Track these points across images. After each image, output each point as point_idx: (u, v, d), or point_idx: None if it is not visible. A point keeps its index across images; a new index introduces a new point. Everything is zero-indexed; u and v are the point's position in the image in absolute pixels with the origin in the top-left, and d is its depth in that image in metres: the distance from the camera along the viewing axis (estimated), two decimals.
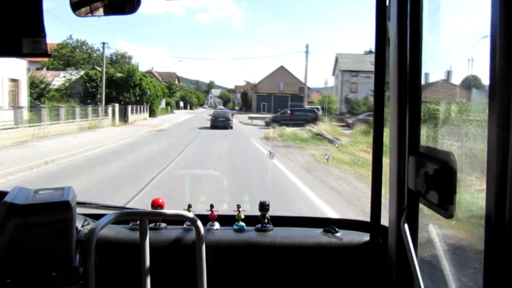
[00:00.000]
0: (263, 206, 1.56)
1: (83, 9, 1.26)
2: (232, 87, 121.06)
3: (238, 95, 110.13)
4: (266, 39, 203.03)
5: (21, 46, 1.10)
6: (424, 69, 1.15)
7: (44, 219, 1.05)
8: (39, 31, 1.11)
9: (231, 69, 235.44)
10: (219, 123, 26.80)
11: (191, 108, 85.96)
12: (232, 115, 31.67)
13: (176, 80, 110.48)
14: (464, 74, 1.84)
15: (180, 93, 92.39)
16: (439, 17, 1.26)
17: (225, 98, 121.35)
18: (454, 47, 1.61)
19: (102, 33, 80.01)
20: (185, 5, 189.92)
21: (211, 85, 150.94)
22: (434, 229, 1.29)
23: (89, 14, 1.27)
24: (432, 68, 1.37)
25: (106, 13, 1.28)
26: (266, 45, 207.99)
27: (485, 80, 0.73)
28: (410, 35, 1.13)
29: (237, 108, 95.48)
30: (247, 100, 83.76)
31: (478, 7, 1.04)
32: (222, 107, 58.52)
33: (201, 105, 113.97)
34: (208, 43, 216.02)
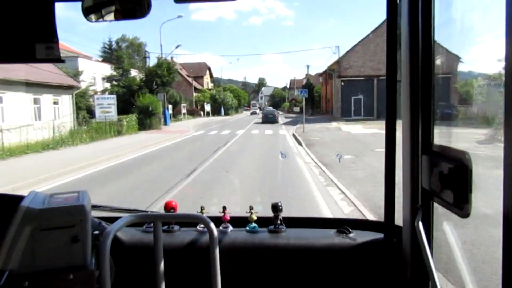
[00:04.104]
0: (276, 208, 1.56)
1: (94, 14, 1.28)
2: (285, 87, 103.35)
3: (296, 92, 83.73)
4: (320, 37, 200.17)
5: (34, 52, 1.14)
6: (436, 67, 1.17)
7: (59, 223, 1.09)
8: (52, 36, 1.15)
9: (282, 70, 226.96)
10: (268, 119, 35.46)
11: (226, 114, 61.95)
12: (278, 113, 42.19)
13: (208, 73, 76.35)
14: (479, 72, 1.96)
15: (209, 92, 59.55)
16: (450, 14, 1.27)
17: (278, 97, 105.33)
18: (467, 44, 1.62)
19: (157, 42, 76.87)
20: (237, 9, 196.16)
21: (262, 84, 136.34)
22: (449, 228, 1.29)
23: (100, 19, 1.30)
24: (444, 66, 1.39)
25: (117, 18, 1.30)
26: (320, 43, 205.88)
27: (501, 78, 0.73)
28: (422, 33, 1.15)
29: (296, 109, 62.78)
30: (313, 95, 48.65)
31: (492, 2, 1.06)
32: (270, 108, 50.10)
33: (248, 107, 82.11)
34: (260, 45, 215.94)
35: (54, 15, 1.15)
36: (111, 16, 1.28)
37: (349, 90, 33.27)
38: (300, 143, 16.95)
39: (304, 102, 26.73)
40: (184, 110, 44.43)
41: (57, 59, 1.19)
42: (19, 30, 1.12)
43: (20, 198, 1.16)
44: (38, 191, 1.21)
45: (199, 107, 55.87)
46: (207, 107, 55.08)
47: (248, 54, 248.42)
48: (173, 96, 55.04)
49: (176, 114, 42.75)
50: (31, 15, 1.13)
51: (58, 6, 1.21)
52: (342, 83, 33.62)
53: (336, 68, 35.05)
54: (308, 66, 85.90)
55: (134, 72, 33.34)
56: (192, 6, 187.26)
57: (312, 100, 49.61)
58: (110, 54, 47.26)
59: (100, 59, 32.39)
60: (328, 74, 39.30)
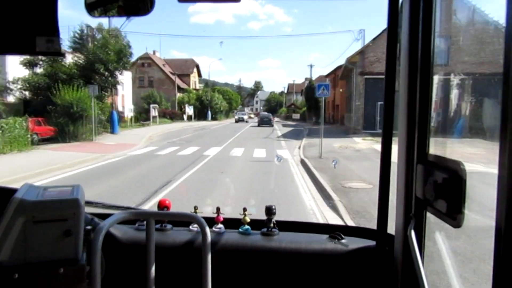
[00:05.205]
0: (270, 211, 1.56)
1: (97, 10, 1.29)
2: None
3: (295, 97, 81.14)
4: (318, 45, 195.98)
5: (34, 45, 1.13)
6: (435, 77, 1.17)
7: (52, 216, 1.09)
8: (53, 30, 1.15)
9: (279, 76, 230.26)
10: (264, 122, 40.63)
11: (214, 118, 54.41)
12: (273, 118, 46.01)
13: (195, 71, 67.50)
14: (477, 78, 1.83)
15: (195, 92, 57.19)
16: (450, 22, 1.26)
17: (274, 102, 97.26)
18: (466, 51, 1.61)
19: (157, 45, 55.25)
20: (236, 13, 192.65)
21: (258, 87, 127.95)
22: (441, 238, 1.30)
23: (104, 15, 1.31)
24: (444, 75, 1.37)
25: (120, 14, 1.31)
26: (320, 48, 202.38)
27: (499, 84, 0.74)
28: (421, 43, 1.15)
29: (295, 116, 61.92)
30: (316, 100, 37.38)
31: (492, 9, 1.05)
32: (265, 112, 52.79)
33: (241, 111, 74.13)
34: (259, 49, 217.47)
35: (56, 9, 1.15)
36: (114, 13, 1.29)
37: (374, 92, 23.92)
38: (329, 199, 7.21)
39: (323, 106, 14.55)
40: (154, 113, 35.12)
41: (57, 53, 1.17)
42: (21, 22, 1.12)
43: (14, 190, 1.17)
44: (33, 184, 1.21)
45: (183, 109, 46.73)
46: (189, 110, 45.79)
47: (238, 36, 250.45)
48: (152, 96, 45.33)
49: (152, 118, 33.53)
50: (33, 8, 1.13)
51: (61, 1, 1.21)
52: (365, 82, 24.20)
53: (359, 61, 24.61)
54: (311, 66, 77.18)
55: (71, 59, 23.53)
56: (191, 8, 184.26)
57: (316, 106, 40.21)
58: (82, 45, 37.25)
59: (69, 50, 22.88)
60: (345, 70, 28.19)
